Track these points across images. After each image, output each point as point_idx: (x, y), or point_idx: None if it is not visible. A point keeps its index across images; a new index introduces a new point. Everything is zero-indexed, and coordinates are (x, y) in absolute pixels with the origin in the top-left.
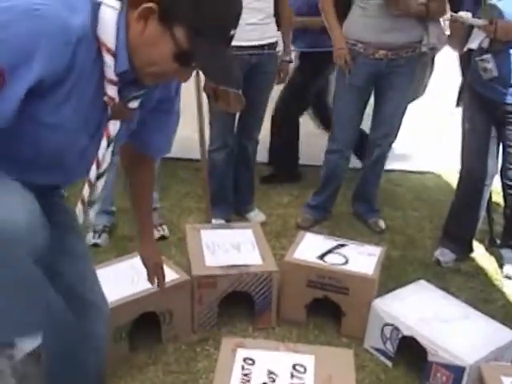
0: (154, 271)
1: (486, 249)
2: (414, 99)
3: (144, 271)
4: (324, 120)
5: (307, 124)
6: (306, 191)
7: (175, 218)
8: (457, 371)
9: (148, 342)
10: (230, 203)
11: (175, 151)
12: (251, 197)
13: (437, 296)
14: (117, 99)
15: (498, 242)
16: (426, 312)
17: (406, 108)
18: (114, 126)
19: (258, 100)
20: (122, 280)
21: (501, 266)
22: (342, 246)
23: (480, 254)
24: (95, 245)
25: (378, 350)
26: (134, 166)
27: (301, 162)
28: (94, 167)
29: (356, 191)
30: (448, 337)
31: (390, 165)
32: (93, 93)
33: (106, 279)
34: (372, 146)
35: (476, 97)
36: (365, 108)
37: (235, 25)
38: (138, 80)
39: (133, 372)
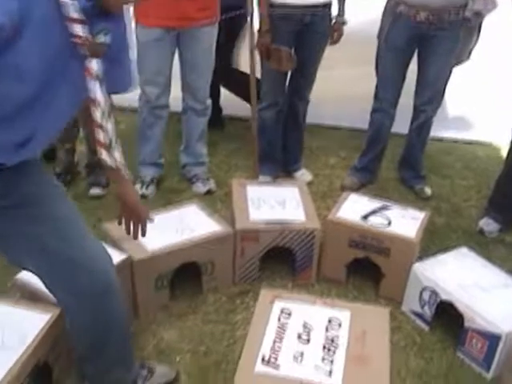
0: (123, 210)
1: None
2: (457, 64)
3: (190, 222)
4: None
5: None
6: (354, 154)
7: (222, 173)
8: (492, 338)
9: (188, 291)
10: (277, 161)
11: (226, 108)
12: (299, 156)
13: (478, 264)
14: (89, 37)
15: None
16: (465, 279)
17: (450, 73)
18: (96, 65)
19: (309, 60)
20: (166, 229)
21: None
22: (386, 208)
23: None
24: (142, 196)
25: (415, 313)
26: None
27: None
28: (93, 109)
29: (402, 157)
30: (486, 304)
31: (440, 133)
32: (58, 37)
33: (151, 227)
34: (417, 112)
35: None
36: (406, 69)
37: None
38: (103, 11)
39: (172, 320)
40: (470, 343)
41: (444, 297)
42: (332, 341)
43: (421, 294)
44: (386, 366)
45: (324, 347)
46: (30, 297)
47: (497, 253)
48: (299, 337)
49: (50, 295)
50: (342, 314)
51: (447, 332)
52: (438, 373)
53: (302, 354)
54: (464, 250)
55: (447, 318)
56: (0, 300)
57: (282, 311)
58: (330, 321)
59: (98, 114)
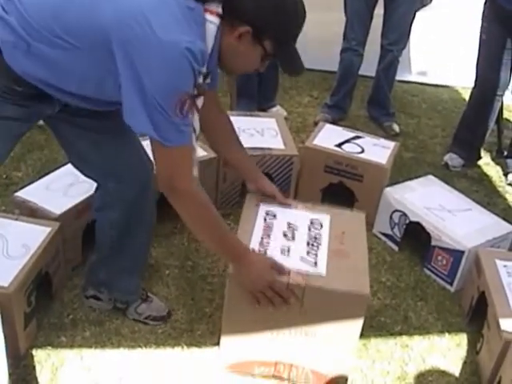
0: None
1: (493, 159)
2: (422, 7)
3: None
4: None
5: None
6: (326, 94)
7: None
8: (456, 255)
9: (173, 215)
10: (253, 98)
11: None
12: (274, 94)
13: (443, 190)
14: (206, 86)
15: (505, 153)
16: (432, 202)
17: (414, 16)
18: (201, 102)
19: None
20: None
21: (505, 174)
22: (359, 137)
23: (487, 162)
24: None
25: (385, 234)
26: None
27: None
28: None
29: (371, 96)
30: (451, 225)
31: (406, 77)
32: None
33: None
34: (384, 52)
35: (496, 8)
36: (373, 9)
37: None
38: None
39: (159, 239)
40: (435, 260)
41: (412, 218)
42: (315, 238)
43: (391, 216)
44: (364, 258)
45: (308, 243)
46: (29, 213)
47: (460, 185)
48: (285, 235)
49: (48, 211)
50: (323, 217)
51: (415, 252)
52: (406, 287)
53: (288, 249)
54: (431, 178)
55: (415, 239)
56: (2, 215)
57: (267, 213)
58: (311, 222)
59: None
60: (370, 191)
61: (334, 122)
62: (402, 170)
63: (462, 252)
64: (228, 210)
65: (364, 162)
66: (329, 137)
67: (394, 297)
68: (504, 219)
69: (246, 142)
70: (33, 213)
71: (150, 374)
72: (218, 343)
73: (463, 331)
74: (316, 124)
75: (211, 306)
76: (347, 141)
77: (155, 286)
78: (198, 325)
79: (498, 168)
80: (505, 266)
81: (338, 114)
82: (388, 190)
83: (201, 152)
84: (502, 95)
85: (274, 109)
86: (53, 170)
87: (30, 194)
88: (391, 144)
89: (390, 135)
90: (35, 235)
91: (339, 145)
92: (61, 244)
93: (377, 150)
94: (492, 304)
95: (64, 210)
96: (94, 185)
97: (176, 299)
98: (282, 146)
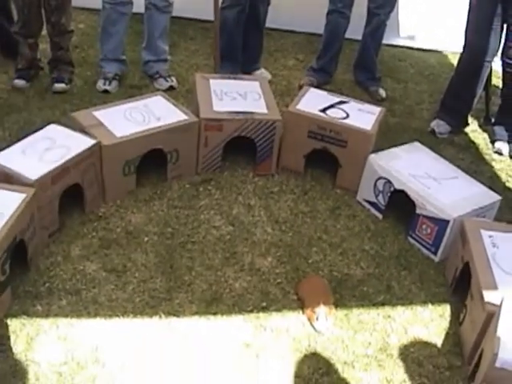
0: None
1: (480, 126)
2: None
3: (156, 111)
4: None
5: None
6: (311, 57)
7: (184, 71)
8: (441, 224)
9: (154, 179)
10: (237, 61)
11: (186, 10)
12: (258, 57)
13: (429, 157)
14: None
15: (493, 120)
16: (418, 169)
17: None
18: None
19: None
20: (133, 117)
21: (492, 142)
22: (344, 102)
23: (474, 129)
24: (105, 91)
25: (369, 202)
26: None
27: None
28: None
29: (357, 60)
30: (436, 193)
31: (394, 41)
32: None
33: (119, 116)
34: (371, 15)
35: None
36: None
37: None
38: None
39: (139, 205)
40: (420, 229)
41: (397, 186)
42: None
43: (375, 183)
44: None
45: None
46: (5, 179)
47: (446, 152)
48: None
49: (23, 176)
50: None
51: (399, 220)
52: (390, 255)
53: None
54: (417, 144)
55: (399, 207)
56: None
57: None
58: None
59: None
60: (354, 158)
61: (319, 86)
62: (388, 136)
63: (447, 221)
64: (210, 176)
65: (348, 127)
66: (313, 101)
67: (377, 266)
68: (490, 188)
69: (228, 105)
70: (8, 178)
71: (126, 344)
72: (197, 312)
73: (447, 302)
74: (301, 87)
75: (190, 274)
76: (332, 106)
77: (133, 253)
78: (177, 293)
79: (485, 135)
80: (490, 237)
81: (324, 78)
82: (373, 156)
83: (181, 116)
84: (490, 61)
85: (258, 72)
86: (31, 133)
87: (5, 158)
88: (377, 109)
89: (376, 100)
90: (9, 202)
91: (323, 110)
92: (36, 211)
93: (362, 116)
94: (476, 275)
95: (40, 175)
96: (72, 149)
97: (155, 267)
98: (264, 111)
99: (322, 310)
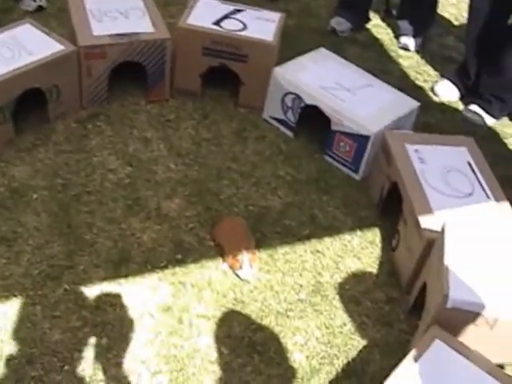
0: None
1: (383, 20)
2: None
3: (26, 44)
4: None
5: None
6: None
7: None
8: (360, 140)
9: (34, 122)
10: None
11: None
12: None
13: (338, 64)
14: None
15: (394, 12)
16: (328, 80)
17: None
18: None
19: None
20: (1, 55)
21: (397, 37)
22: (239, 11)
23: (376, 24)
24: None
25: (278, 120)
26: None
27: None
28: None
29: None
30: (352, 106)
31: None
32: None
33: None
34: None
35: None
36: None
37: None
38: None
39: (21, 155)
40: (337, 146)
41: (308, 101)
42: None
43: (283, 99)
44: None
45: None
46: None
47: (350, 52)
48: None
49: None
50: None
51: (313, 138)
52: (308, 179)
53: None
54: (322, 51)
55: (312, 124)
56: None
57: None
58: None
59: None
60: (257, 72)
61: None
62: (288, 40)
63: (367, 137)
64: (97, 110)
65: (247, 40)
66: (205, 13)
67: (296, 193)
68: (401, 90)
69: (109, 27)
70: None
71: (29, 326)
72: (105, 278)
73: (375, 226)
74: None
75: (91, 231)
76: (226, 16)
77: (22, 216)
78: (80, 257)
79: (389, 30)
80: (416, 151)
81: None
82: (277, 69)
83: (56, 46)
84: None
85: None
86: None
87: None
88: (276, 16)
89: (269, 0)
90: None
91: (217, 22)
92: None
93: (261, 25)
94: (407, 198)
95: None
96: None
97: (49, 229)
98: (151, 29)
99: (245, 256)
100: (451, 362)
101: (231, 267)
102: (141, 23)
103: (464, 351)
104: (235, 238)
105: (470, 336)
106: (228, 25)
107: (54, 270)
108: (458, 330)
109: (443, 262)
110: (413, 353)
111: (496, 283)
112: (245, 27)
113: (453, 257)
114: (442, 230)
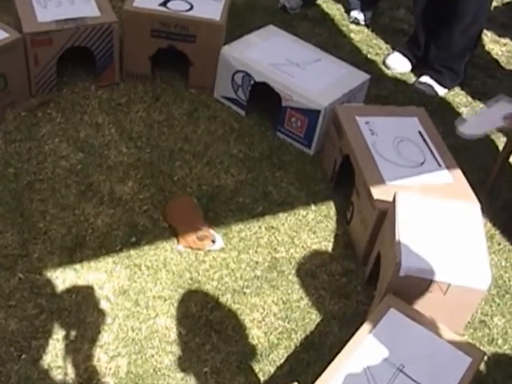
0: None
1: None
2: None
3: None
4: None
5: None
6: None
7: None
8: (312, 115)
9: None
10: None
11: None
12: None
13: (287, 41)
14: None
15: None
16: (277, 57)
17: None
18: None
19: None
20: None
21: (348, 11)
22: None
23: (326, 0)
24: None
25: (229, 99)
26: None
27: None
28: None
29: None
30: (301, 81)
31: None
32: None
33: None
34: None
35: None
36: None
37: None
38: None
39: None
40: (289, 122)
41: (258, 78)
42: None
43: (233, 78)
44: None
45: None
46: None
47: (301, 29)
48: None
49: None
50: None
51: (264, 115)
52: (261, 156)
53: None
54: (271, 28)
55: (263, 100)
56: None
57: None
58: None
59: None
60: (206, 52)
61: None
62: (237, 20)
63: (318, 111)
64: (47, 97)
65: (195, 20)
66: None
67: (249, 170)
68: (353, 64)
69: (54, 13)
70: None
71: None
72: (60, 264)
73: (329, 199)
74: None
75: (45, 219)
76: None
77: None
78: (34, 246)
79: (339, 5)
80: (366, 123)
81: None
82: (226, 48)
83: (2, 34)
84: None
85: None
86: None
87: None
88: None
89: None
90: None
91: (164, 3)
92: None
93: (207, 4)
94: (359, 170)
95: None
96: None
97: (1, 219)
98: (97, 13)
99: (210, 231)
100: (406, 329)
101: (199, 248)
102: (86, 7)
103: (419, 318)
104: (184, 217)
105: (425, 303)
106: (174, 5)
107: (7, 259)
108: (412, 298)
109: (395, 232)
110: (367, 322)
111: (448, 250)
112: (191, 7)
113: (405, 226)
114: (394, 199)
